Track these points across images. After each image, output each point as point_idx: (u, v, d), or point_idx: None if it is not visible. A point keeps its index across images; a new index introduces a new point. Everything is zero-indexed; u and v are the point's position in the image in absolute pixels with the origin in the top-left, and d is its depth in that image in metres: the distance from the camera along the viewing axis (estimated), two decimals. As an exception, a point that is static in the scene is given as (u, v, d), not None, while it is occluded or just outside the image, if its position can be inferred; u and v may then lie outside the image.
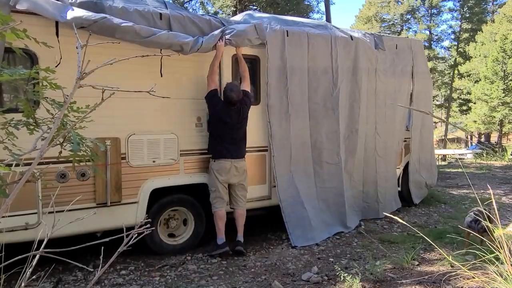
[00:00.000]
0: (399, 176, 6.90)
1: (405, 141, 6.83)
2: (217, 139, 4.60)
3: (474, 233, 4.10)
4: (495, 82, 26.41)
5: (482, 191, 8.24)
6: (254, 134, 5.09)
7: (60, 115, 1.37)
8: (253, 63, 5.15)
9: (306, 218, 5.13)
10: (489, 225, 3.72)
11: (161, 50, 4.19)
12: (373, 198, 6.16)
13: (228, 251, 4.56)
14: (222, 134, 4.58)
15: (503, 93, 25.94)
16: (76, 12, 3.68)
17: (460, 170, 12.46)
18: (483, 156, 18.30)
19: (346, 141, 5.79)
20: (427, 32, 37.03)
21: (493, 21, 31.11)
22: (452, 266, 3.73)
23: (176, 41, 4.16)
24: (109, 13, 3.98)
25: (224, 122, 4.54)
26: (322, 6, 20.52)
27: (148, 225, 1.54)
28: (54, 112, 1.77)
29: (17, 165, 1.52)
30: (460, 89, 35.06)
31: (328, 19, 17.12)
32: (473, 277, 2.98)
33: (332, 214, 5.52)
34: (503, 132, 29.19)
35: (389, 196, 6.44)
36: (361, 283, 3.68)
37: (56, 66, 3.77)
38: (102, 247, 1.71)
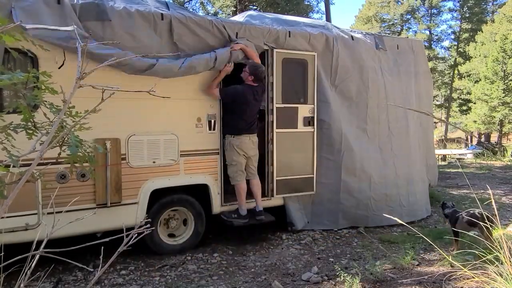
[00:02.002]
0: None
1: None
2: (238, 117, 4.83)
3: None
4: (495, 82, 26.41)
5: (482, 191, 8.24)
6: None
7: (59, 117, 1.37)
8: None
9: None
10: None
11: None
12: (396, 201, 5.97)
13: (248, 224, 4.92)
14: (242, 112, 4.83)
15: (503, 93, 25.93)
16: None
17: (460, 170, 12.46)
18: (483, 156, 18.29)
19: (356, 140, 5.75)
20: (427, 32, 37.07)
21: (493, 21, 31.12)
22: (452, 266, 3.73)
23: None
24: (111, 14, 3.98)
25: (247, 102, 4.82)
26: (322, 6, 20.56)
27: (148, 225, 1.54)
28: (51, 116, 1.77)
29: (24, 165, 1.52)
30: (460, 89, 35.07)
31: (328, 19, 17.16)
32: (473, 277, 2.98)
33: (324, 210, 5.58)
34: (503, 132, 29.18)
35: (415, 200, 6.24)
36: (361, 283, 3.69)
37: (59, 68, 3.77)
38: (102, 247, 1.71)
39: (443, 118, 37.44)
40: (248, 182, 5.01)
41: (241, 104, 4.81)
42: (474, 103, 29.08)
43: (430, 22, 36.79)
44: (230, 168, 4.91)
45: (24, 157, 1.56)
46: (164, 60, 4.20)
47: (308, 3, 20.27)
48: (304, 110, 5.41)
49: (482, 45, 30.31)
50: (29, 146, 1.52)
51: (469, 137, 34.41)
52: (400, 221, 2.86)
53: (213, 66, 4.52)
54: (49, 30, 3.59)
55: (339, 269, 3.95)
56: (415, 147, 6.44)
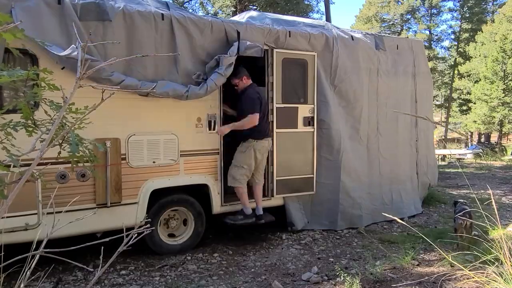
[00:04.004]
0: None
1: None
2: (261, 120, 4.80)
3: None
4: (495, 82, 26.43)
5: (482, 191, 8.24)
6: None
7: (60, 115, 1.37)
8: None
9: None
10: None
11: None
12: (378, 200, 6.08)
13: (254, 223, 4.96)
14: (264, 115, 4.86)
15: (503, 93, 25.95)
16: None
17: (460, 170, 12.46)
18: (483, 156, 18.29)
19: (349, 140, 5.78)
20: (427, 32, 37.07)
21: (493, 21, 31.12)
22: (452, 266, 3.73)
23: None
24: (111, 14, 3.98)
25: (264, 102, 4.89)
26: (322, 6, 20.55)
27: (148, 225, 1.54)
28: (52, 114, 1.76)
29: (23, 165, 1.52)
30: (460, 89, 35.07)
31: (328, 19, 17.14)
32: (473, 277, 2.98)
33: (323, 210, 5.59)
34: (503, 132, 29.20)
35: (400, 198, 6.33)
36: (361, 283, 3.68)
37: (62, 69, 3.77)
38: (102, 247, 1.71)
39: (443, 118, 37.47)
40: (250, 187, 5.02)
41: (262, 106, 4.83)
42: (474, 103, 29.09)
43: (430, 22, 36.79)
44: (239, 170, 4.84)
45: (24, 157, 1.56)
46: (163, 82, 4.27)
47: (308, 3, 20.27)
48: (304, 110, 5.41)
49: (482, 45, 30.31)
50: (29, 146, 1.52)
51: (468, 137, 34.44)
52: (397, 219, 2.87)
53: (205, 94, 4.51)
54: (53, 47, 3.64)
55: (339, 269, 3.95)
56: (403, 147, 6.49)
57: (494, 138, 31.76)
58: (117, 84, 3.91)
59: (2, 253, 1.82)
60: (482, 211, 3.30)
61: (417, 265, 4.25)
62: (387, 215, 3.11)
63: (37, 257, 1.57)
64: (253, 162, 4.85)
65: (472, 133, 31.98)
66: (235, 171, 4.85)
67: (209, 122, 4.78)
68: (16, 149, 1.62)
